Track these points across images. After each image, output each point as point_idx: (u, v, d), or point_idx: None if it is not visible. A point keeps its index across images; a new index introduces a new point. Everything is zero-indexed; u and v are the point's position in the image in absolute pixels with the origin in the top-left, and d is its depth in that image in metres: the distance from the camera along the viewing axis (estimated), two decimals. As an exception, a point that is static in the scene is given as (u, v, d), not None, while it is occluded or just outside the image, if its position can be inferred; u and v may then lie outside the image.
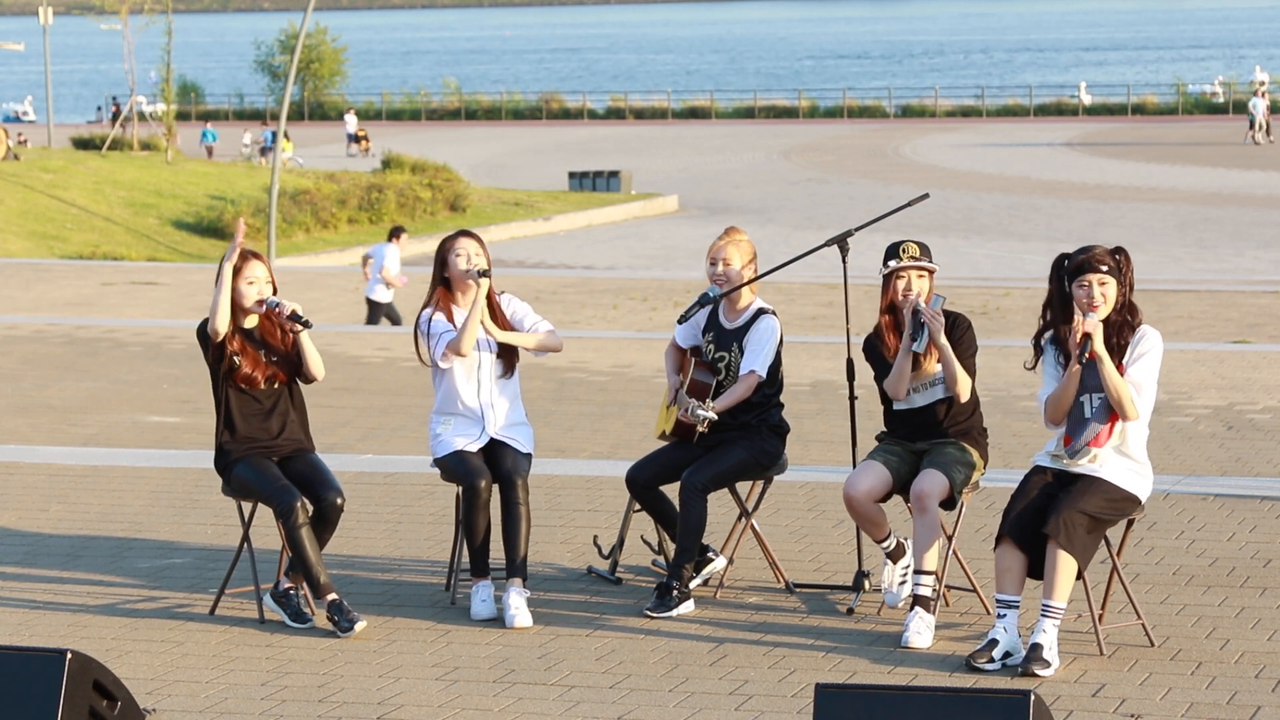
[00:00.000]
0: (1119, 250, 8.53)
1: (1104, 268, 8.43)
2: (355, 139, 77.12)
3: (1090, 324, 8.36)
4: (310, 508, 9.15)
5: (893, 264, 9.05)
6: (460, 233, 9.55)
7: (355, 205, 51.99)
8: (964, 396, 8.98)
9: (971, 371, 9.03)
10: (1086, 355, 8.37)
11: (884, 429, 9.25)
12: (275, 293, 9.29)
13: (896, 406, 9.14)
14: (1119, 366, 8.43)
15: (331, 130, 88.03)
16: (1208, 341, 20.78)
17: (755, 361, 9.41)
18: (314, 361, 9.31)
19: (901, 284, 9.04)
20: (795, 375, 16.48)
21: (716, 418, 9.26)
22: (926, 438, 9.07)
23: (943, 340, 8.90)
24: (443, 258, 9.47)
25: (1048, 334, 8.62)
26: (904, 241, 9.12)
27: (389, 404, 16.08)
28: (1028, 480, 8.58)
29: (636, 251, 45.26)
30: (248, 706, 8.08)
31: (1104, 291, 8.43)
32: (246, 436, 9.28)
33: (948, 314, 9.05)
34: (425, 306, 9.50)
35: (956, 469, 8.95)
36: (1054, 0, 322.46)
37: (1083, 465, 8.49)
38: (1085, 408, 8.51)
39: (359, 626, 9.01)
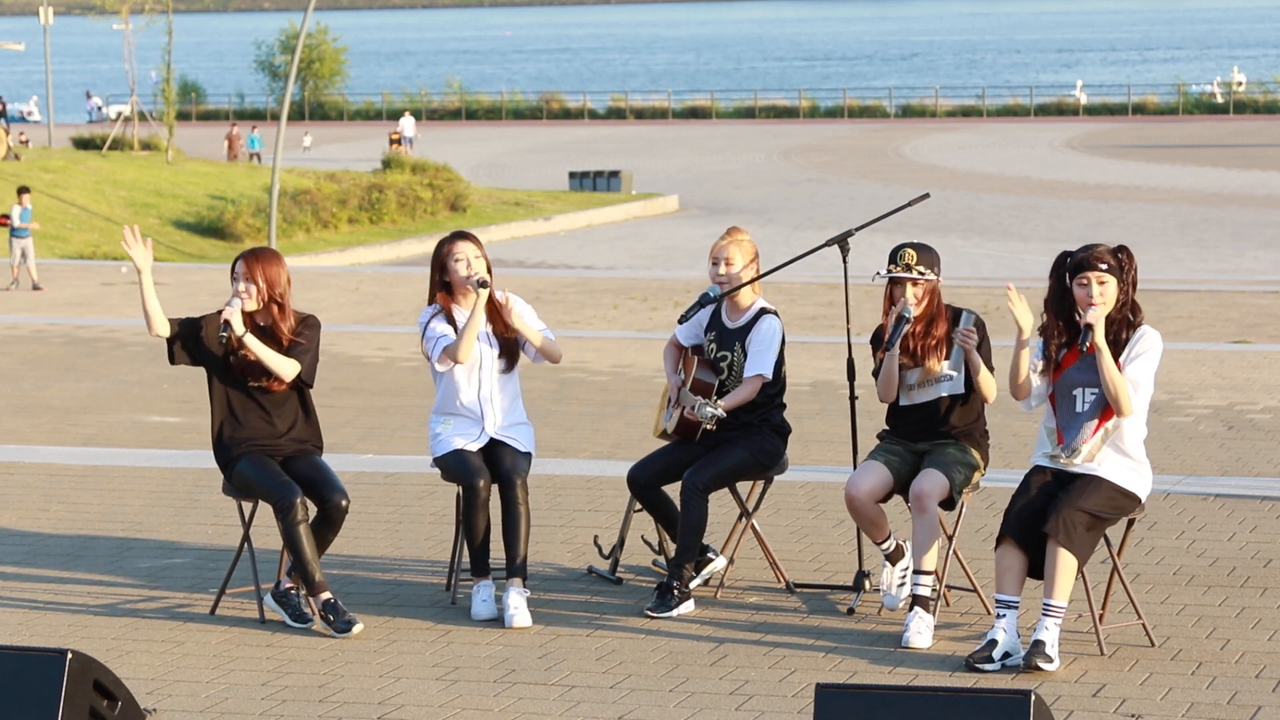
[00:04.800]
0: (1121, 249, 8.54)
1: (1103, 266, 8.45)
2: (392, 141, 74.88)
3: (1092, 315, 8.38)
4: (310, 505, 9.14)
5: (883, 273, 9.07)
6: (458, 235, 9.49)
7: (356, 205, 52.00)
8: (990, 399, 9.01)
9: (991, 370, 9.03)
10: (1087, 346, 8.39)
11: (886, 426, 9.24)
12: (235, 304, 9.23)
13: (901, 401, 9.14)
14: (1116, 363, 8.44)
15: (331, 130, 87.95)
16: (1208, 341, 20.78)
17: (761, 365, 9.40)
18: (275, 368, 9.17)
19: (897, 291, 9.05)
20: (795, 375, 16.49)
21: (725, 414, 9.25)
22: (928, 437, 9.07)
23: (976, 358, 8.89)
24: (441, 261, 9.42)
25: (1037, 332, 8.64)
26: (903, 247, 9.08)
27: (389, 404, 16.08)
28: (1028, 480, 8.59)
29: (636, 251, 45.27)
30: (248, 706, 8.08)
31: (1103, 290, 8.45)
32: (249, 434, 9.27)
33: (958, 312, 9.05)
34: (429, 306, 9.48)
35: (957, 469, 8.95)
36: (1054, 0, 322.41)
37: (1080, 464, 8.49)
38: (1078, 402, 8.52)
39: (356, 629, 9.00)
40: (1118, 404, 8.40)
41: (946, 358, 9.00)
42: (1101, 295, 8.44)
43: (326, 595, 9.06)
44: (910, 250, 9.05)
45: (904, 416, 9.14)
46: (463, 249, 9.36)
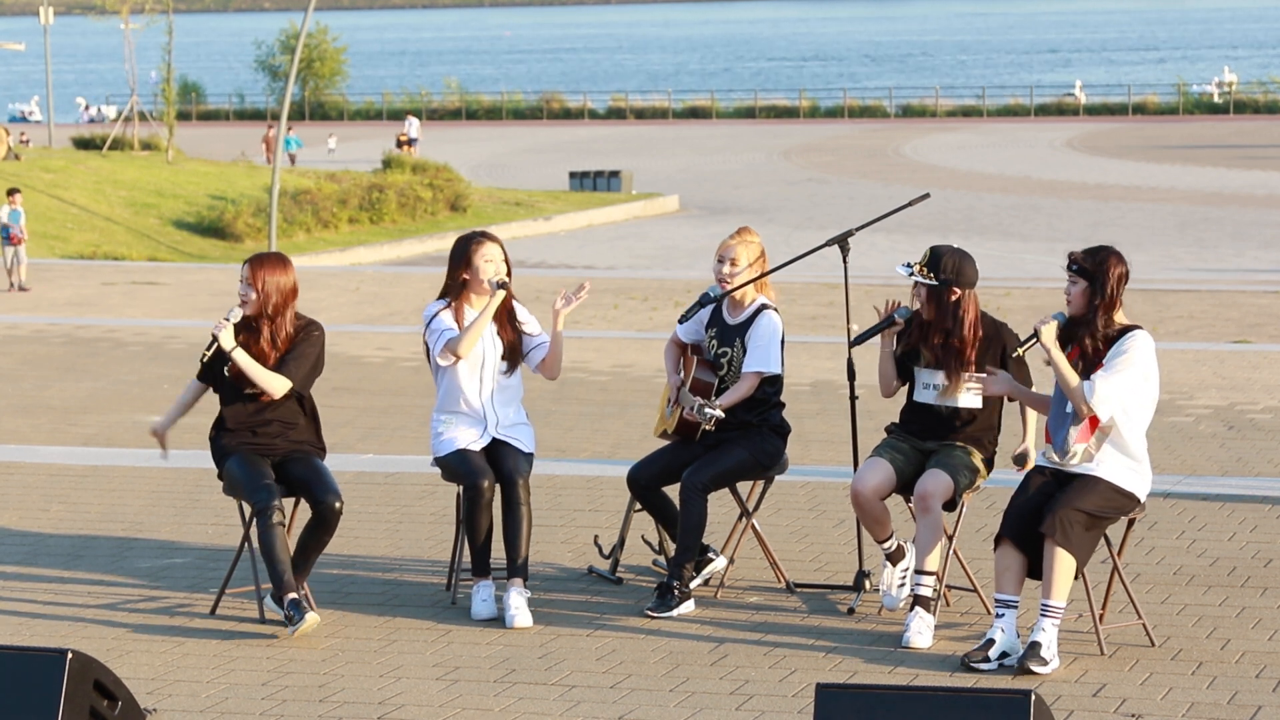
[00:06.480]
0: (1104, 255, 8.44)
1: (1074, 267, 8.47)
2: (400, 143, 72.95)
3: (1043, 320, 8.41)
4: (286, 511, 9.12)
5: (900, 268, 9.06)
6: (485, 235, 9.48)
7: (356, 205, 51.98)
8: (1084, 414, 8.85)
9: (1025, 377, 8.99)
10: (1019, 349, 8.51)
11: (896, 421, 9.22)
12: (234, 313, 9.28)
13: (917, 397, 9.11)
14: (1097, 365, 8.43)
15: (331, 130, 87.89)
16: (1208, 341, 20.78)
17: (759, 362, 9.40)
18: (263, 385, 9.20)
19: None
20: (795, 375, 16.49)
21: (724, 415, 9.25)
22: (938, 437, 9.05)
23: (1022, 395, 8.86)
24: (467, 259, 9.38)
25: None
26: (930, 248, 9.03)
27: (389, 404, 16.07)
28: (1027, 480, 8.59)
29: (637, 251, 45.26)
30: (248, 706, 8.08)
31: (1071, 289, 8.46)
32: (244, 433, 9.27)
33: (998, 326, 9.01)
34: (439, 300, 9.45)
35: (962, 473, 8.93)
36: (1053, 0, 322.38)
37: (1078, 464, 8.49)
38: (1066, 403, 8.52)
39: (310, 616, 8.88)
40: (1076, 407, 8.41)
41: (965, 369, 8.94)
42: (1066, 294, 8.48)
43: (293, 596, 8.99)
44: (928, 252, 9.00)
45: (917, 413, 9.11)
46: (494, 251, 9.36)
